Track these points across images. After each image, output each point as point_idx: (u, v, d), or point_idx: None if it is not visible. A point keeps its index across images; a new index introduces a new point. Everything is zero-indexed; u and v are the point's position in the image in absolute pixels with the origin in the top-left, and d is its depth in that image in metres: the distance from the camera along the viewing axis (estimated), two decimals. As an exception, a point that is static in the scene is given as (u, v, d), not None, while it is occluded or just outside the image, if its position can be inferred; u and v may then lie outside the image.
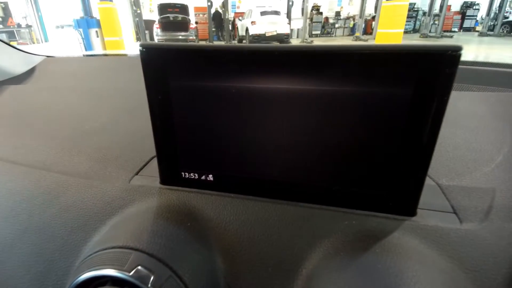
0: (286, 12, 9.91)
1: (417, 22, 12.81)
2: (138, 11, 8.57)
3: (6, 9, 9.68)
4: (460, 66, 0.21)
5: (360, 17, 10.28)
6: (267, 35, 8.30)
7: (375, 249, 0.24)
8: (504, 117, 0.42)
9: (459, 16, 12.84)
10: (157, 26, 8.23)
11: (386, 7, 5.96)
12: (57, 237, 0.30)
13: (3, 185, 0.35)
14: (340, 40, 12.07)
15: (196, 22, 10.92)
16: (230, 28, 10.42)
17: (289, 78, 0.24)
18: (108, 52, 2.77)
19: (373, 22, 9.51)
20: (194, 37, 8.47)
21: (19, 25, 10.27)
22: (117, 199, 0.31)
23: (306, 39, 9.66)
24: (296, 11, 11.13)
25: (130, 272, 0.22)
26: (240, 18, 10.58)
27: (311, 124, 0.25)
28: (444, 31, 10.62)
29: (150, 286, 0.22)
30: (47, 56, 0.84)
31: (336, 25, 13.13)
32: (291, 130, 0.26)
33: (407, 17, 7.75)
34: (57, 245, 0.30)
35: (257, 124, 0.26)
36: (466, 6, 12.82)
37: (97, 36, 6.08)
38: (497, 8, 10.35)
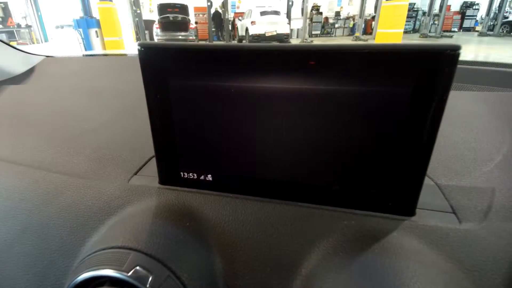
0: (286, 12, 9.91)
1: (417, 22, 12.82)
2: (138, 11, 8.56)
3: (6, 9, 9.68)
4: (459, 66, 0.21)
5: (360, 17, 10.27)
6: (267, 35, 8.29)
7: (374, 249, 0.24)
8: (503, 116, 0.42)
9: (458, 16, 12.85)
10: (157, 26, 8.22)
11: (386, 7, 5.97)
12: (56, 237, 0.30)
13: (1, 185, 0.35)
14: (340, 40, 12.07)
15: (196, 22, 10.93)
16: (230, 28, 10.40)
17: (288, 77, 0.24)
18: (107, 52, 2.77)
19: (373, 22, 9.51)
20: (194, 37, 8.46)
21: (19, 25, 10.27)
22: (116, 199, 0.31)
23: (306, 39, 9.65)
24: (296, 11, 11.13)
25: (128, 272, 0.22)
26: (240, 18, 10.58)
27: (310, 124, 0.25)
28: (444, 31, 10.62)
29: (148, 286, 0.22)
30: (47, 56, 0.84)
31: (336, 25, 13.14)
32: (289, 129, 0.26)
33: (407, 17, 7.75)
34: (56, 245, 0.30)
35: (256, 123, 0.26)
36: (465, 6, 12.84)
37: (97, 36, 6.08)
38: (497, 8, 10.36)
